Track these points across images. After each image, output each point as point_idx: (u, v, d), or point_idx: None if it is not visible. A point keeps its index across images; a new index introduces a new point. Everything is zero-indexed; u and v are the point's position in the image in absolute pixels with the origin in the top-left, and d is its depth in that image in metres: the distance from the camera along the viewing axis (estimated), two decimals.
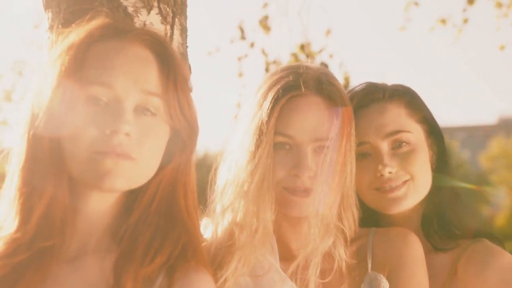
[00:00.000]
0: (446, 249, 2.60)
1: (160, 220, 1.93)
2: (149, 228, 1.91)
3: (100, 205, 1.93)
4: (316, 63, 8.19)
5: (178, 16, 2.40)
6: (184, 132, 1.97)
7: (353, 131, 2.44)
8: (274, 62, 8.79)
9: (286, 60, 8.44)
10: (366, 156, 2.59)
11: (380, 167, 2.54)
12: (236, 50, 9.68)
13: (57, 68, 1.87)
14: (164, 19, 2.33)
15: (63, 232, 1.90)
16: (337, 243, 2.41)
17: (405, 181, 2.57)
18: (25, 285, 1.83)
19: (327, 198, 2.34)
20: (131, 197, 1.96)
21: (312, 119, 2.34)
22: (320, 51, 8.28)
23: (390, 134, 2.57)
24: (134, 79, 1.87)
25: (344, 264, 2.41)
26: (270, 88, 2.36)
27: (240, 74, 9.46)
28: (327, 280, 2.38)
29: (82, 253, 1.91)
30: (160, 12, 2.32)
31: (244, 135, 2.36)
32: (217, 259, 2.33)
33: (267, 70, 8.97)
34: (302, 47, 8.21)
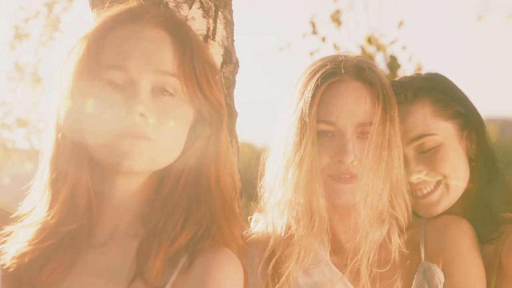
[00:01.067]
0: (491, 239, 2.46)
1: (186, 201, 1.91)
2: (174, 210, 1.89)
3: (127, 189, 1.93)
4: (385, 55, 8.03)
5: (222, 10, 2.39)
6: (207, 112, 1.95)
7: (396, 116, 2.37)
8: None
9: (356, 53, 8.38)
10: None
11: (408, 174, 2.43)
12: (308, 45, 9.64)
13: (75, 57, 1.90)
14: (206, 13, 2.33)
15: (89, 216, 1.92)
16: (391, 232, 2.37)
17: (438, 183, 2.47)
18: (52, 270, 1.86)
19: (374, 185, 2.30)
20: (160, 181, 1.96)
21: (353, 104, 2.30)
22: (392, 43, 8.15)
23: (413, 139, 2.46)
24: (148, 60, 1.86)
25: (397, 253, 2.36)
26: (310, 78, 2.34)
27: None
28: (381, 270, 2.34)
29: (111, 238, 1.92)
30: (202, 6, 2.32)
31: (288, 127, 2.34)
32: (277, 253, 2.33)
33: None
34: (370, 40, 8.11)
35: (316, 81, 2.32)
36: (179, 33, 1.93)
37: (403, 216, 2.39)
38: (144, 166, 1.87)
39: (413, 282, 2.32)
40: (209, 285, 1.78)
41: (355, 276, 2.35)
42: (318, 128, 2.29)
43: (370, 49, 8.37)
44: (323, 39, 9.36)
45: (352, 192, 2.30)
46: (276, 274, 2.30)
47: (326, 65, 2.35)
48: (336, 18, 9.08)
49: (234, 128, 2.46)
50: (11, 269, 1.89)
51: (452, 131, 2.50)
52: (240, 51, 2.50)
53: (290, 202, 2.33)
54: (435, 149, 2.46)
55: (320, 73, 2.34)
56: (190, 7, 2.31)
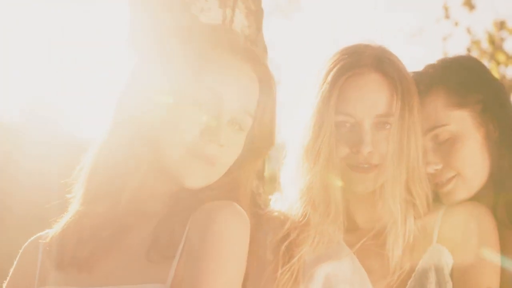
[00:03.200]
0: None
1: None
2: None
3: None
4: None
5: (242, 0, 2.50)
6: None
7: (417, 106, 2.38)
8: (474, 42, 8.48)
9: (484, 38, 8.10)
10: None
11: (426, 165, 2.41)
12: (440, 31, 9.43)
13: None
14: (223, 3, 2.44)
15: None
16: (408, 216, 2.39)
17: (451, 178, 2.42)
18: (92, 248, 2.05)
19: (392, 173, 2.34)
20: None
21: (371, 96, 2.34)
22: None
23: (428, 130, 2.42)
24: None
25: (411, 237, 2.37)
26: (329, 70, 2.39)
27: (445, 55, 9.22)
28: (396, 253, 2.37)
29: (139, 217, 2.10)
30: None
31: (307, 118, 2.40)
32: (291, 236, 2.40)
33: (469, 50, 8.66)
34: (501, 24, 7.82)
35: (335, 74, 2.36)
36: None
37: (421, 204, 2.41)
38: None
39: (420, 262, 2.34)
40: (211, 229, 1.91)
41: (365, 254, 2.40)
42: (337, 119, 2.34)
43: (502, 34, 8.10)
44: (456, 24, 9.12)
45: (369, 181, 2.34)
46: (287, 255, 2.38)
47: (346, 57, 2.40)
48: (468, 2, 8.82)
49: None
50: (53, 248, 2.10)
51: (469, 119, 2.44)
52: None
53: (308, 190, 2.38)
54: (451, 141, 2.41)
55: (339, 66, 2.38)
56: None
